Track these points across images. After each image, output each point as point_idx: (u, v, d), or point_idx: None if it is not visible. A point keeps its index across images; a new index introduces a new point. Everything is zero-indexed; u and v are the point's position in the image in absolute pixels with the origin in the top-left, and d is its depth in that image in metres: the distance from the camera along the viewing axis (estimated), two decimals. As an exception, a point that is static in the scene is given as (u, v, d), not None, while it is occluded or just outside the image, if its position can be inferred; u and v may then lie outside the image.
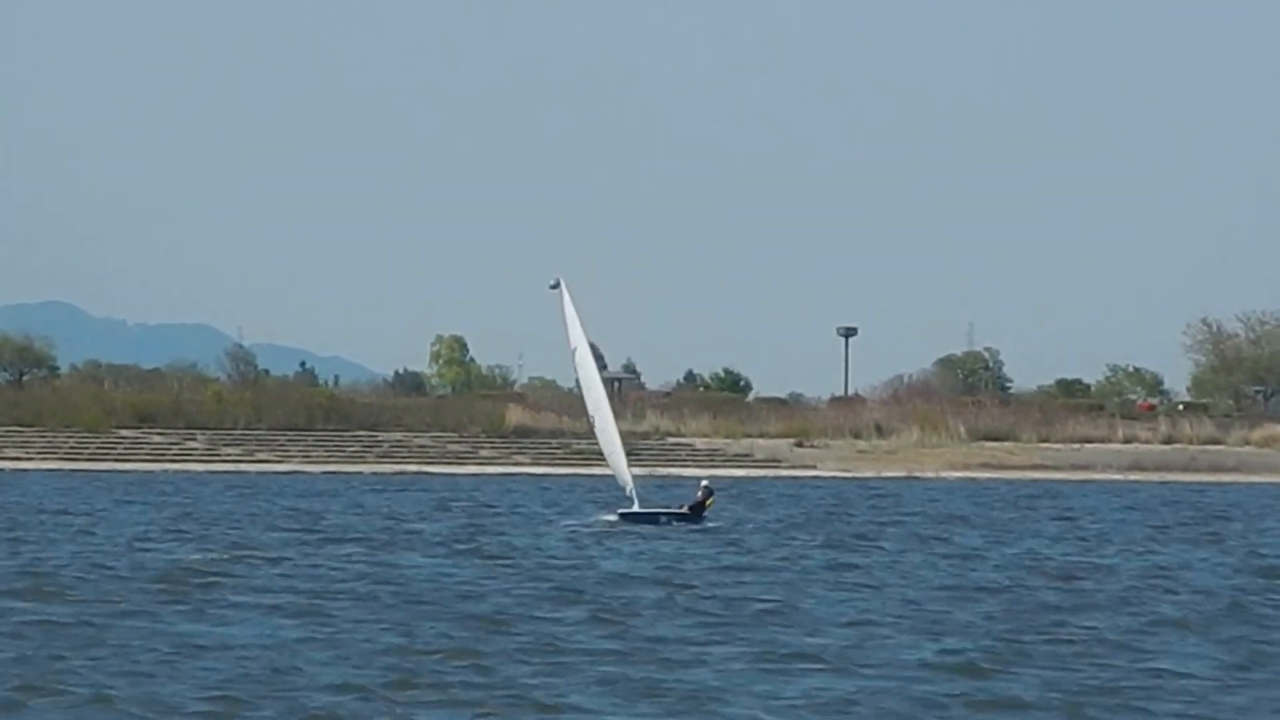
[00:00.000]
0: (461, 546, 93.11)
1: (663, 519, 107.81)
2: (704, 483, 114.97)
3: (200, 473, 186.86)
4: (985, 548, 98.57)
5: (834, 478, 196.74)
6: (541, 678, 48.04)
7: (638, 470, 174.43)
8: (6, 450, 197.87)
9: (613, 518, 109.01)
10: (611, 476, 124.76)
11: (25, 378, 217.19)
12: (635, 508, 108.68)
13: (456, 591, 72.06)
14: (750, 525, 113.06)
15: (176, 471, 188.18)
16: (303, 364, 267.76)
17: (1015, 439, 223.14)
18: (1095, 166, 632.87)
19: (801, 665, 48.81)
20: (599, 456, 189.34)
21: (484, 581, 75.27)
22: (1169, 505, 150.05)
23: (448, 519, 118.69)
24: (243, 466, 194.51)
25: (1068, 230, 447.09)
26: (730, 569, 78.97)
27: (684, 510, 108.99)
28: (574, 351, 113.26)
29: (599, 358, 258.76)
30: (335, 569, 77.21)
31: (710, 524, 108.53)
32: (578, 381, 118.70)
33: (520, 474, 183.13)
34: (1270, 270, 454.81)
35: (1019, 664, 49.04)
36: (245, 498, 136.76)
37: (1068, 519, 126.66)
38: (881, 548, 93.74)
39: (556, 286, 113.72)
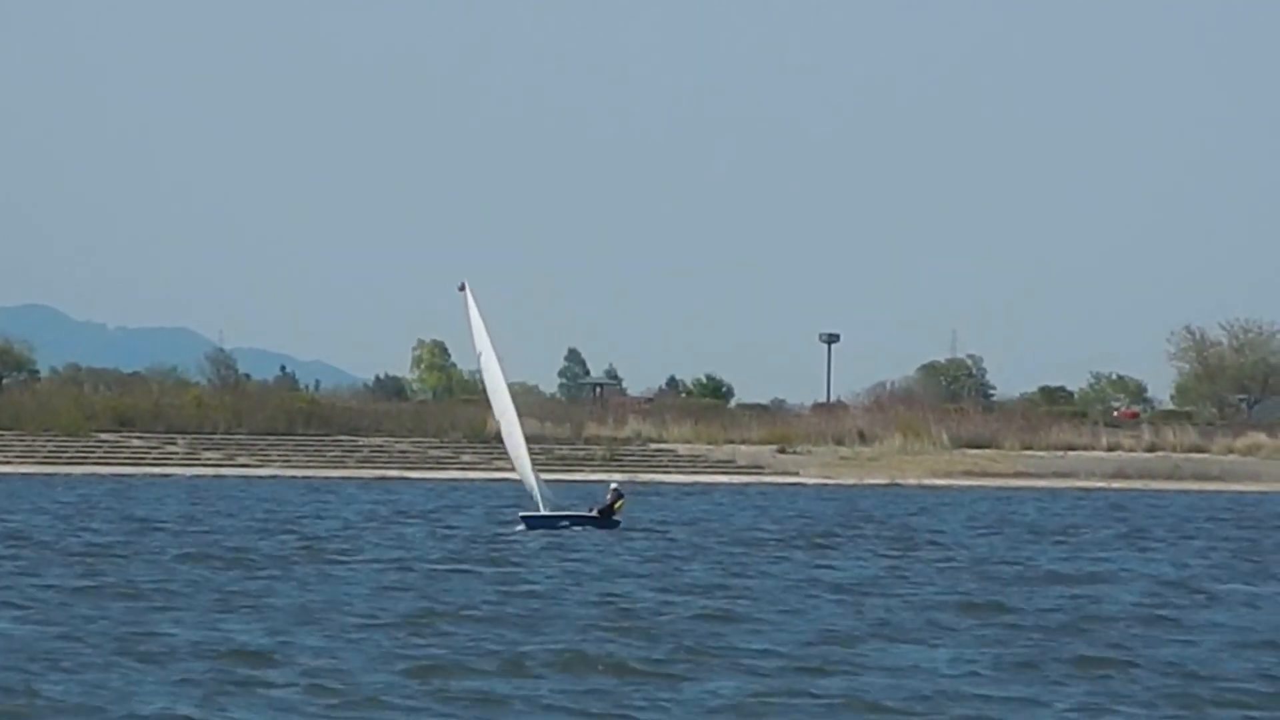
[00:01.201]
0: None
1: (564, 523, 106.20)
2: (613, 485, 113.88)
3: (181, 476, 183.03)
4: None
5: (817, 484, 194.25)
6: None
7: (619, 476, 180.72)
8: None
9: (521, 526, 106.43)
10: (602, 483, 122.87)
11: (4, 381, 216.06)
12: (540, 511, 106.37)
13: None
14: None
15: (156, 475, 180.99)
16: (283, 368, 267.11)
17: (998, 446, 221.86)
18: (1079, 173, 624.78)
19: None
20: (581, 461, 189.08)
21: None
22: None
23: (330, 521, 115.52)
24: (223, 471, 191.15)
25: (1052, 237, 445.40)
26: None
27: (593, 513, 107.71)
28: (479, 355, 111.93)
29: (581, 363, 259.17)
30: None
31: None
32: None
33: (501, 480, 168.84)
34: (1254, 278, 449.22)
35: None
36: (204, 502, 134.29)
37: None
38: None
39: (463, 289, 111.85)
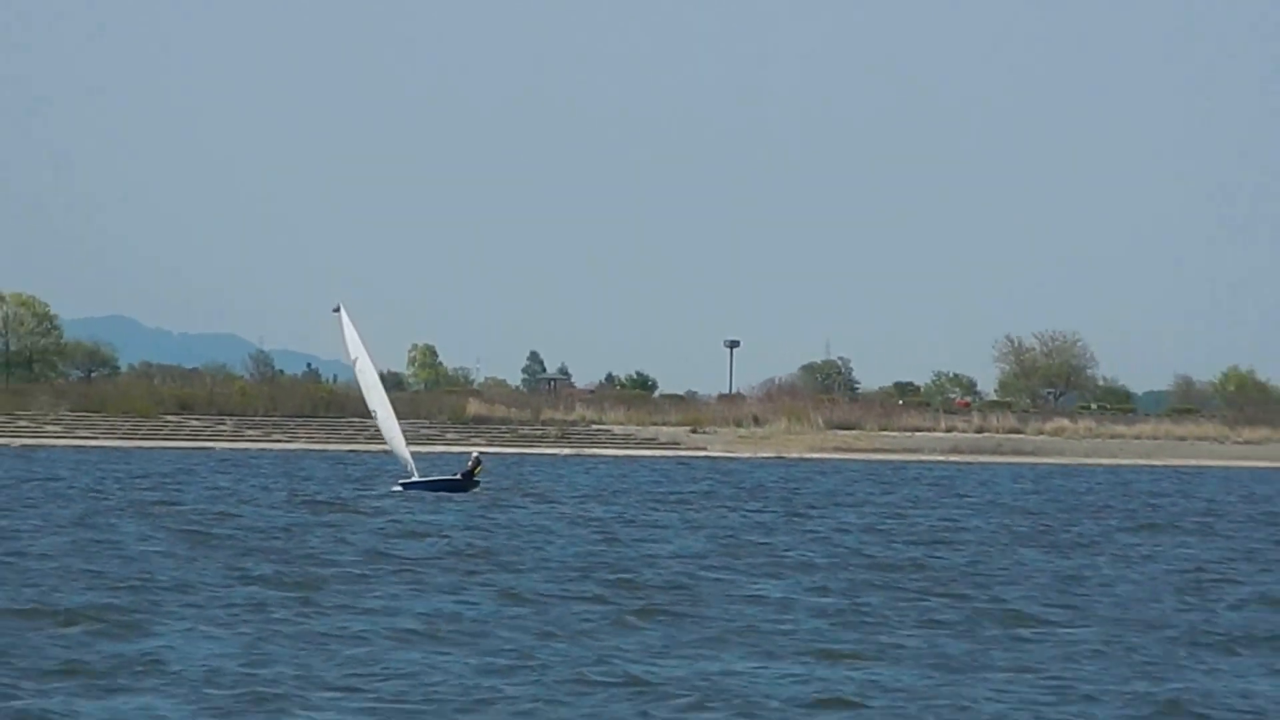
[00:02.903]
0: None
1: (438, 486, 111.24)
2: (474, 454, 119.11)
3: (229, 449, 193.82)
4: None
5: (721, 457, 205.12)
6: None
7: (567, 450, 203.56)
8: (79, 430, 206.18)
9: (398, 487, 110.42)
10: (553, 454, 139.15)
11: (93, 375, 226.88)
12: (414, 478, 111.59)
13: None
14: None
15: (209, 449, 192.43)
16: (309, 365, 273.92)
17: (861, 428, 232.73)
18: (923, 206, 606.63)
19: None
20: (541, 439, 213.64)
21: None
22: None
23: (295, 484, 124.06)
24: (262, 445, 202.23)
25: (903, 260, 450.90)
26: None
27: (458, 478, 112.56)
28: (354, 361, 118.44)
29: (540, 362, 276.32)
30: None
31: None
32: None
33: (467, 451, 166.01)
34: (1061, 296, 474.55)
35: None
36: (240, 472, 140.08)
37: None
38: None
39: (337, 310, 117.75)
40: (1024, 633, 48.71)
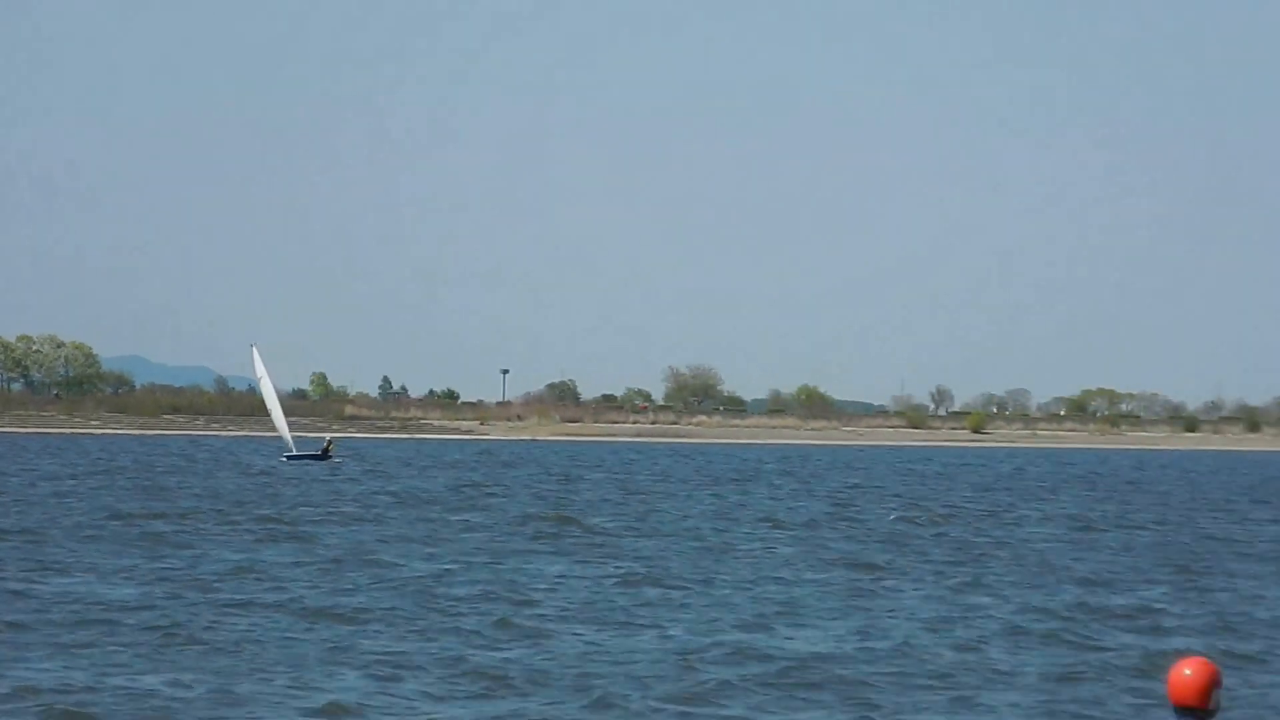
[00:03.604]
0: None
1: (306, 459, 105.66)
2: (328, 438, 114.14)
3: (202, 436, 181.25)
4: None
5: (497, 439, 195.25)
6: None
7: (404, 435, 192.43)
8: (110, 425, 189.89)
9: (284, 458, 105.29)
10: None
11: (119, 391, 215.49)
12: (294, 452, 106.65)
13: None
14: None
15: (191, 436, 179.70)
16: (250, 385, 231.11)
17: (582, 421, 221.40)
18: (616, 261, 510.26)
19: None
20: (388, 429, 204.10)
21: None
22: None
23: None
24: (221, 433, 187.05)
25: (610, 304, 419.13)
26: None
27: (318, 453, 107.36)
28: (260, 380, 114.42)
29: (389, 382, 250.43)
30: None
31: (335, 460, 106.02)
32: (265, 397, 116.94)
33: (344, 437, 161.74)
34: (708, 339, 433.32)
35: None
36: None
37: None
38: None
39: (253, 347, 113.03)
40: (573, 532, 51.49)
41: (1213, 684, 11.66)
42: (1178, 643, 28.60)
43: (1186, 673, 11.69)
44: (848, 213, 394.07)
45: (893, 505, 70.50)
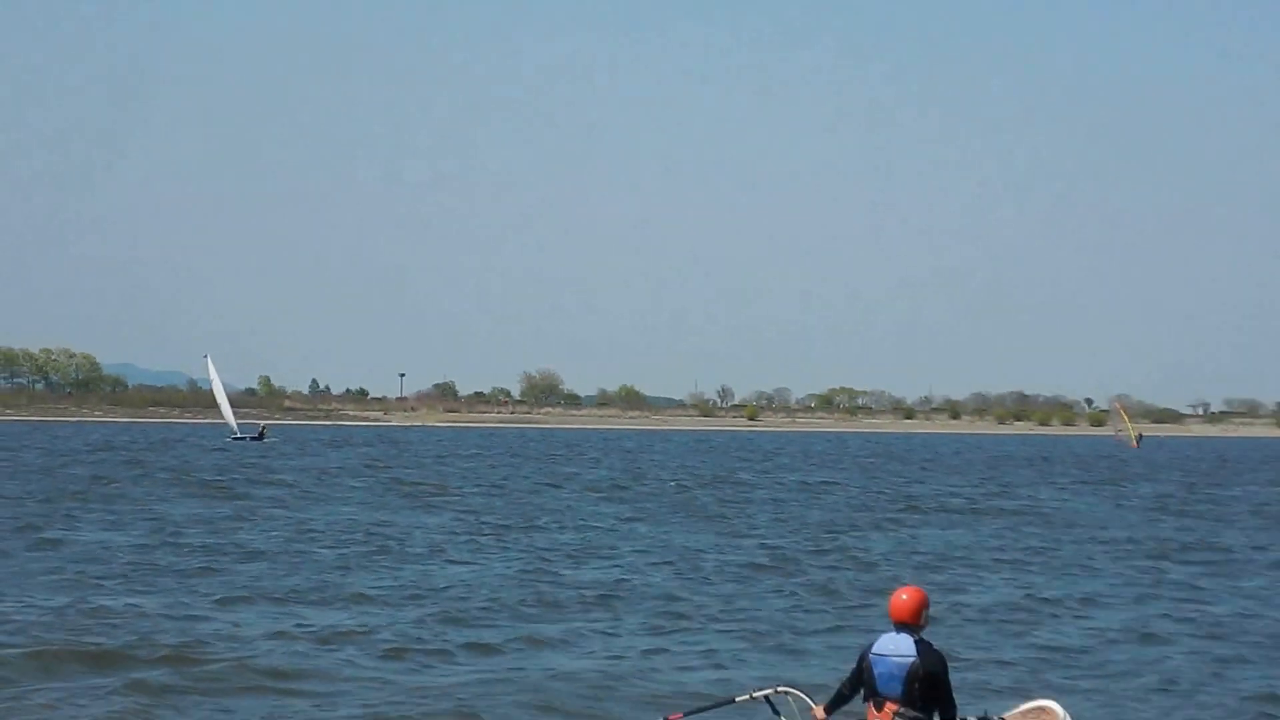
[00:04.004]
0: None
1: (245, 438, 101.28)
2: (261, 425, 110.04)
3: (179, 423, 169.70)
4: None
5: (397, 425, 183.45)
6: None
7: (328, 422, 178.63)
8: (111, 416, 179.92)
9: (229, 439, 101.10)
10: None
11: (115, 390, 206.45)
12: (237, 434, 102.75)
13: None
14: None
15: (168, 423, 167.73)
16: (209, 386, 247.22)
17: (462, 412, 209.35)
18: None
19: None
20: (318, 417, 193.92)
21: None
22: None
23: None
24: (192, 421, 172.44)
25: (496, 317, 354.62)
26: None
27: (254, 436, 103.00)
28: (212, 382, 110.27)
29: (317, 382, 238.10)
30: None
31: (269, 441, 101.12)
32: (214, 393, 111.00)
33: (282, 424, 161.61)
34: (554, 351, 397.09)
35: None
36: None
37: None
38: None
39: (205, 357, 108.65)
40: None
41: (923, 605, 11.33)
42: (886, 572, 28.02)
43: (904, 597, 11.33)
44: (658, 244, 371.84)
45: (675, 473, 68.49)
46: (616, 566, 28.94)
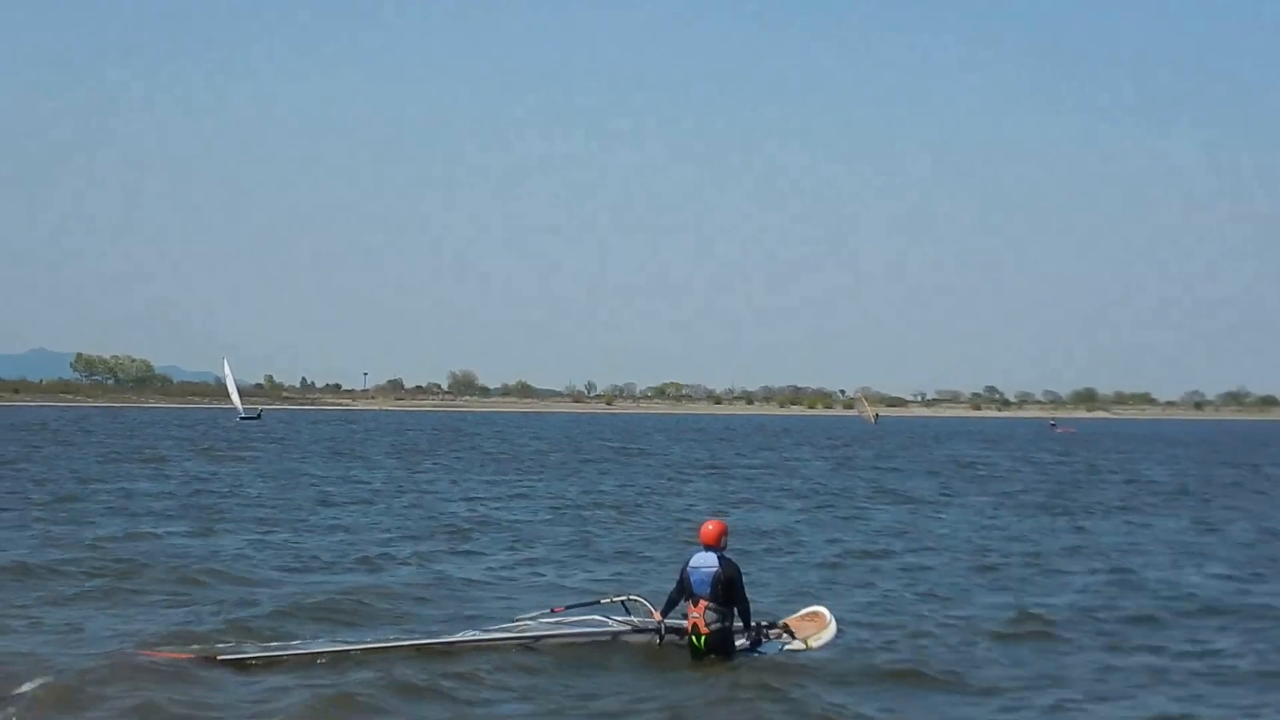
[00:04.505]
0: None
1: (249, 419, 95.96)
2: (259, 409, 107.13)
3: (194, 407, 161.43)
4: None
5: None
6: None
7: (311, 407, 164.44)
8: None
9: (239, 418, 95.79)
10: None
11: (165, 385, 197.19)
12: (243, 415, 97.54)
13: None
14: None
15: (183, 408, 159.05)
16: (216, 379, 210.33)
17: (405, 400, 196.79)
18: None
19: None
20: (310, 403, 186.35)
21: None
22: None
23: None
24: (206, 407, 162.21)
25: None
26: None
27: (255, 416, 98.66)
28: (226, 377, 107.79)
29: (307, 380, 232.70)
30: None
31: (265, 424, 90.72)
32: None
33: (279, 409, 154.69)
34: (467, 348, 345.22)
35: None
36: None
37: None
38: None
39: (223, 360, 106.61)
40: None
41: (723, 532, 10.96)
42: (701, 508, 26.02)
43: (709, 526, 10.97)
44: (555, 270, 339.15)
45: (547, 444, 63.73)
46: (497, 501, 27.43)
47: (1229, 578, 17.12)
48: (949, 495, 30.77)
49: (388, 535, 20.67)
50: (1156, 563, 18.60)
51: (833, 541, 20.63)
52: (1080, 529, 23.17)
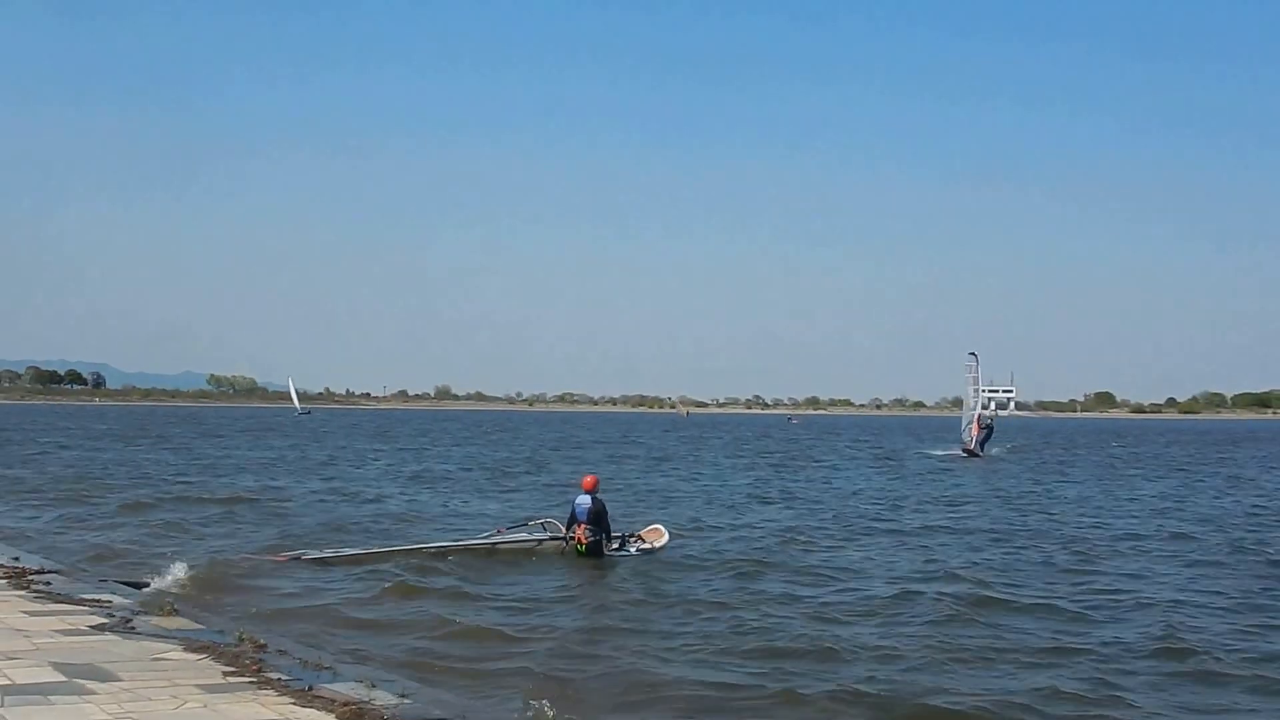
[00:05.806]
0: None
1: (302, 414, 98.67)
2: (308, 407, 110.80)
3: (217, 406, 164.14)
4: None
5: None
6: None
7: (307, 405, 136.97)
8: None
9: (296, 415, 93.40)
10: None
11: (265, 393, 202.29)
12: (299, 411, 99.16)
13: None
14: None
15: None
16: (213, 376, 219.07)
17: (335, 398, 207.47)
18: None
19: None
20: (352, 404, 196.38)
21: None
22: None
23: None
24: (221, 406, 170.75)
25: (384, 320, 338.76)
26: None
27: (307, 412, 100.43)
28: (290, 388, 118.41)
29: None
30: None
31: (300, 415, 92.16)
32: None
33: (326, 408, 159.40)
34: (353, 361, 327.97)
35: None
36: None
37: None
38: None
39: (289, 378, 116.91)
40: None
41: (596, 482, 13.17)
42: (585, 468, 26.22)
43: (588, 478, 13.41)
44: (497, 301, 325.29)
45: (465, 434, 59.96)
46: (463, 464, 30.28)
47: None
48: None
49: (386, 481, 23.87)
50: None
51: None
52: None
